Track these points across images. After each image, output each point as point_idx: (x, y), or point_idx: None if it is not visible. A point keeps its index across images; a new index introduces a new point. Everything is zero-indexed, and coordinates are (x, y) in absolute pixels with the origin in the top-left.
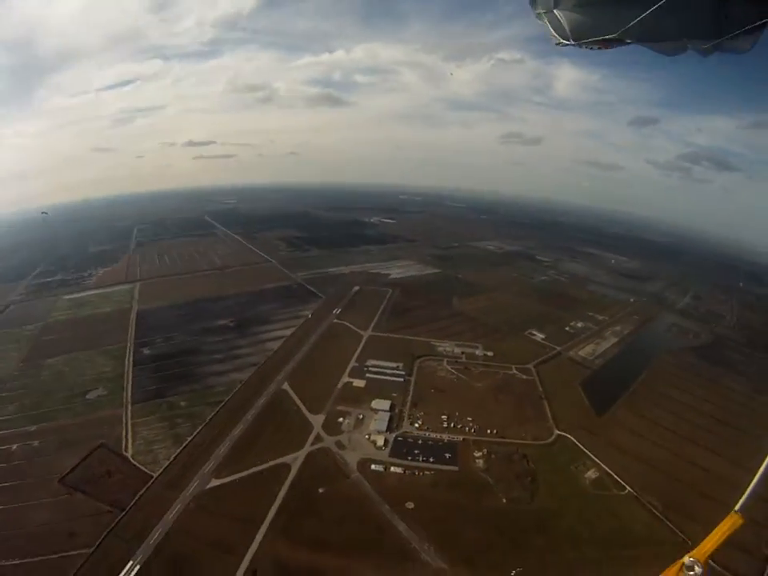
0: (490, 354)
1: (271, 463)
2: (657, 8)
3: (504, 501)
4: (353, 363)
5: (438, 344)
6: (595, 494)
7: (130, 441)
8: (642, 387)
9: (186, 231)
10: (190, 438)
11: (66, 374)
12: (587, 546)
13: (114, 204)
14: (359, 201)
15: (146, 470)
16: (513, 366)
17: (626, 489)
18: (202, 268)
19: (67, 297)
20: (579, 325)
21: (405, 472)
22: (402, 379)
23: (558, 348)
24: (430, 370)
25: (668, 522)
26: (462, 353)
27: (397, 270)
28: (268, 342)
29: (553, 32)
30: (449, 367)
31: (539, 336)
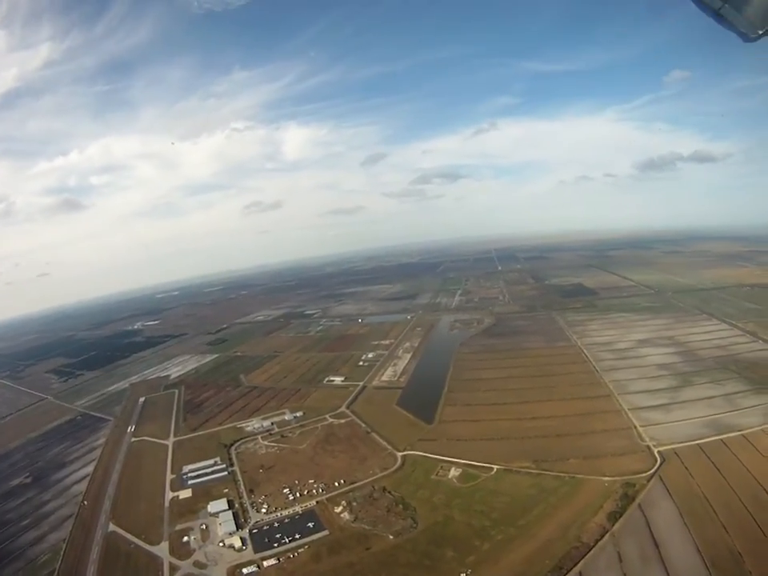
0: (299, 414)
1: None
2: None
3: (391, 537)
4: (169, 476)
5: (244, 425)
6: (468, 486)
7: None
8: (454, 382)
9: None
10: None
11: None
12: (495, 530)
13: None
14: (119, 310)
15: None
16: (327, 416)
17: (492, 468)
18: None
19: None
20: (370, 356)
21: (279, 560)
22: (225, 473)
23: (361, 383)
24: (250, 452)
25: (548, 472)
26: (272, 423)
27: (175, 369)
28: (73, 486)
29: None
30: (265, 442)
31: (338, 380)
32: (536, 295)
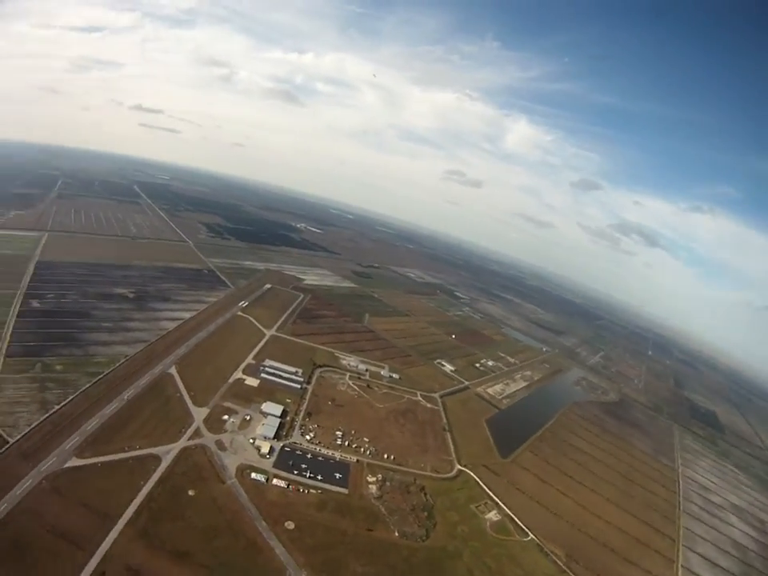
0: (396, 376)
1: (141, 452)
2: None
3: (396, 534)
4: (249, 360)
5: (342, 357)
6: (496, 537)
7: None
8: (549, 434)
9: (110, 194)
10: (57, 407)
11: None
12: None
13: (49, 152)
14: (292, 205)
15: (1, 433)
16: (418, 393)
17: (528, 535)
18: (115, 233)
19: None
20: (490, 363)
21: (288, 487)
22: (299, 386)
23: (467, 382)
24: (331, 382)
25: (570, 573)
26: (367, 370)
27: (313, 277)
28: (164, 321)
29: None
30: (351, 382)
31: (449, 367)
32: (668, 399)
